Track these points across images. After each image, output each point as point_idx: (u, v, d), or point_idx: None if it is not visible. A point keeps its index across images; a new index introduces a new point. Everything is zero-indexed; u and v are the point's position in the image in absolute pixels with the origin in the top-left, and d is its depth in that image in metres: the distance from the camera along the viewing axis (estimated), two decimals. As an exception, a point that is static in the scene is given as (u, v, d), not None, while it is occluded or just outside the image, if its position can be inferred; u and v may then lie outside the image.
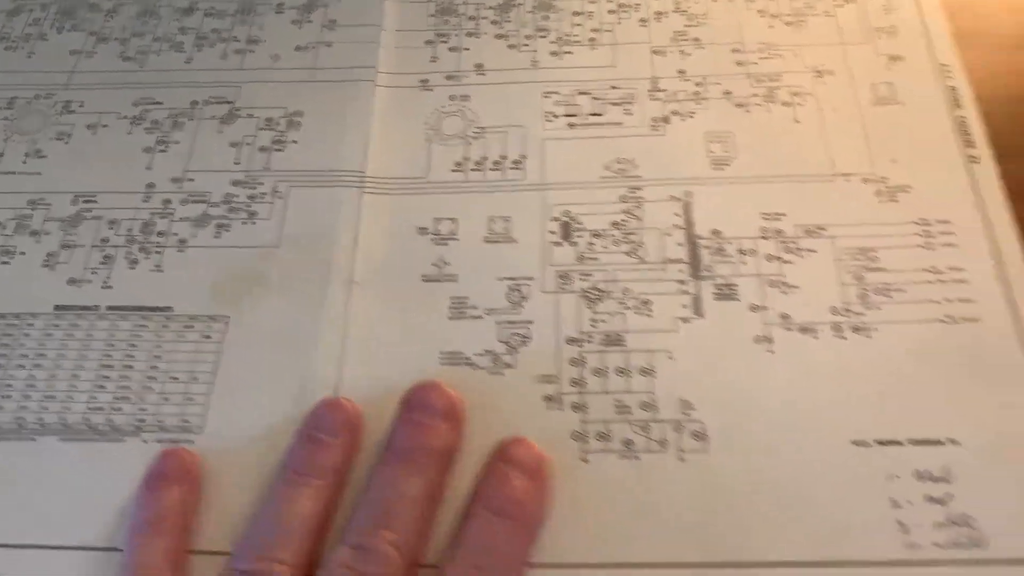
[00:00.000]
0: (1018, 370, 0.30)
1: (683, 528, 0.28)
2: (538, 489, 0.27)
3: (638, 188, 0.35)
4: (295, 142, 0.37)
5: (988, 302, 0.31)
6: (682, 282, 0.32)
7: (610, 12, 0.40)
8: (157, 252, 0.34)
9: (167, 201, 0.35)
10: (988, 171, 0.34)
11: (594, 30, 0.40)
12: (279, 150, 0.37)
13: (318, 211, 0.35)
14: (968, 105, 0.36)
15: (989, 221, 0.33)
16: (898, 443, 0.29)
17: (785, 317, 0.31)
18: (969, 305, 0.31)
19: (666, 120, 0.36)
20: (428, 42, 0.40)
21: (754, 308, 0.32)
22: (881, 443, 0.29)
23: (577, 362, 0.31)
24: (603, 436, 0.29)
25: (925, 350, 0.30)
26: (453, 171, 0.36)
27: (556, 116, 0.37)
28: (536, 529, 0.27)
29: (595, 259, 0.33)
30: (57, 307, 0.33)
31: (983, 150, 0.35)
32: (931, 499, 0.28)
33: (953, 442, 0.29)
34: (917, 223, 0.33)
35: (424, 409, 0.29)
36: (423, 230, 0.34)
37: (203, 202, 0.35)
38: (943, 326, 0.31)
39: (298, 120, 0.37)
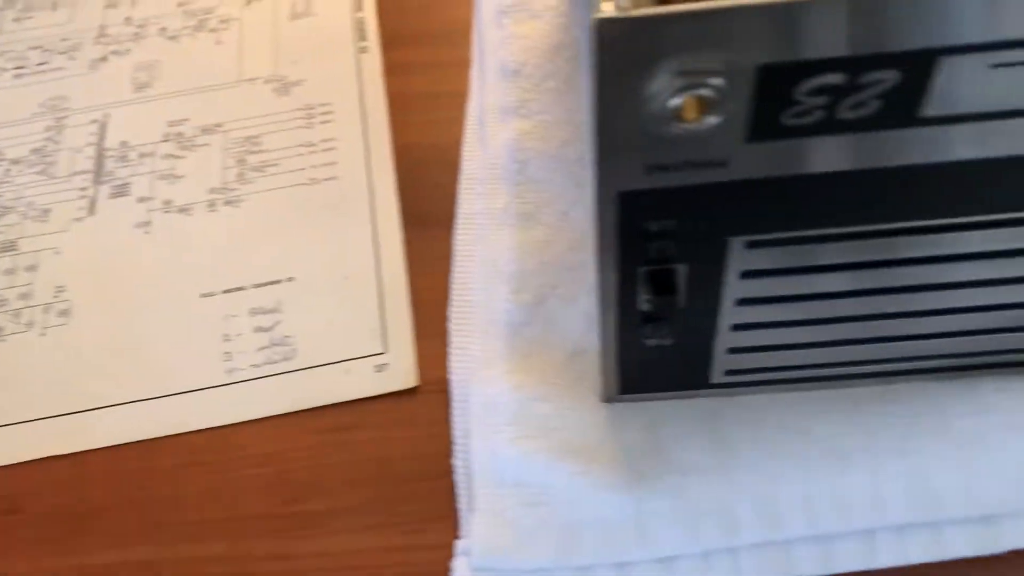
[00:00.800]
0: (360, 215, 0.33)
1: (41, 391, 0.30)
2: None
3: (64, 118, 0.37)
4: None
5: (349, 163, 0.35)
6: (83, 188, 0.35)
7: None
8: None
9: None
10: (374, 58, 0.38)
11: (61, -5, 0.43)
12: None
13: None
14: (368, 8, 0.40)
15: (364, 98, 0.37)
16: (242, 289, 0.32)
17: (168, 203, 0.34)
18: (332, 167, 0.35)
19: (104, 59, 0.40)
20: (-97, 26, 0.42)
21: (141, 200, 0.35)
22: (227, 291, 0.32)
23: (-31, 271, 0.33)
24: (-23, 328, 0.32)
25: (285, 210, 0.34)
26: None
27: (5, 71, 0.40)
28: None
29: (8, 183, 0.36)
30: None
31: (373, 42, 0.39)
32: (260, 329, 0.31)
33: (290, 280, 0.32)
34: (303, 109, 0.37)
35: None
36: None
37: None
38: (306, 188, 0.34)
39: None
